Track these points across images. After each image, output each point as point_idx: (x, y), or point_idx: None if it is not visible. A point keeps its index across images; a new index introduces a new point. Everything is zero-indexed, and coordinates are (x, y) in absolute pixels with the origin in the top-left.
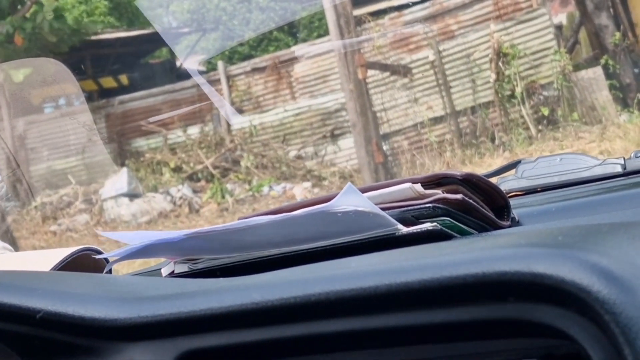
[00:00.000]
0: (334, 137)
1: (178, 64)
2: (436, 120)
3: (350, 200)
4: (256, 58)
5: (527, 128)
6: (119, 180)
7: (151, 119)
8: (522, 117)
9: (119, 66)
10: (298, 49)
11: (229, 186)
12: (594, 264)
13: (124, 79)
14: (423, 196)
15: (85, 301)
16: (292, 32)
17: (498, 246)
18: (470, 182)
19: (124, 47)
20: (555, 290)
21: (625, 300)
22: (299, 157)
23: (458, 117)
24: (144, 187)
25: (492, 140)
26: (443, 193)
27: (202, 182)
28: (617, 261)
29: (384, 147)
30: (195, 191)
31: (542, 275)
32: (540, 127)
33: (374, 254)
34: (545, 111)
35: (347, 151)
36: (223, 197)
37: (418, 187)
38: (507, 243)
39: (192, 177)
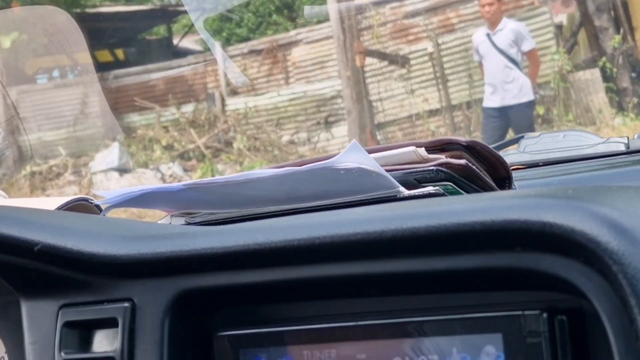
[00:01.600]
0: (327, 124)
1: (175, 41)
2: (431, 113)
3: (354, 158)
4: (254, 40)
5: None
6: (109, 154)
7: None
8: None
9: (116, 40)
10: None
11: (219, 167)
12: (605, 216)
13: (120, 53)
14: (426, 160)
15: (85, 237)
16: (291, 16)
17: (507, 196)
18: (474, 150)
19: (121, 22)
20: (564, 240)
21: (635, 252)
22: (291, 142)
23: (453, 111)
24: (134, 162)
25: None
26: (447, 158)
27: (193, 161)
28: (628, 214)
29: (378, 137)
30: (185, 170)
31: (551, 225)
32: (534, 125)
33: (380, 205)
34: (541, 110)
35: (340, 139)
36: (213, 177)
37: (422, 151)
38: (517, 194)
39: (184, 156)
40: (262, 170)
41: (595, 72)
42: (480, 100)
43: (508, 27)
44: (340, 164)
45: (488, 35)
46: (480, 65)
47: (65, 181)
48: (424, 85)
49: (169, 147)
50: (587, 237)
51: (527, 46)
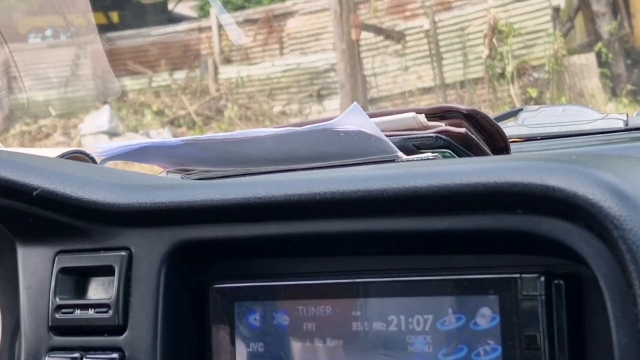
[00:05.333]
0: (320, 97)
1: (170, 7)
2: (424, 91)
3: (355, 121)
4: (249, 9)
5: (514, 107)
6: (99, 117)
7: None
8: (509, 96)
9: (110, 2)
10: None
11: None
12: (607, 182)
13: (114, 16)
14: (426, 127)
15: (84, 184)
16: None
17: (510, 159)
18: (474, 119)
19: None
20: (566, 205)
21: (636, 218)
22: (283, 113)
23: (447, 90)
24: (124, 126)
25: None
26: (446, 126)
27: (184, 129)
28: (630, 181)
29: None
30: (175, 137)
31: (554, 188)
32: None
33: (381, 164)
34: (534, 93)
35: (331, 113)
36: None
37: (422, 117)
38: (520, 157)
39: (174, 122)
40: (262, 130)
41: (591, 57)
42: (475, 79)
43: None
44: (341, 126)
45: None
46: None
47: (54, 142)
48: (418, 62)
49: (159, 113)
50: (589, 202)
51: None
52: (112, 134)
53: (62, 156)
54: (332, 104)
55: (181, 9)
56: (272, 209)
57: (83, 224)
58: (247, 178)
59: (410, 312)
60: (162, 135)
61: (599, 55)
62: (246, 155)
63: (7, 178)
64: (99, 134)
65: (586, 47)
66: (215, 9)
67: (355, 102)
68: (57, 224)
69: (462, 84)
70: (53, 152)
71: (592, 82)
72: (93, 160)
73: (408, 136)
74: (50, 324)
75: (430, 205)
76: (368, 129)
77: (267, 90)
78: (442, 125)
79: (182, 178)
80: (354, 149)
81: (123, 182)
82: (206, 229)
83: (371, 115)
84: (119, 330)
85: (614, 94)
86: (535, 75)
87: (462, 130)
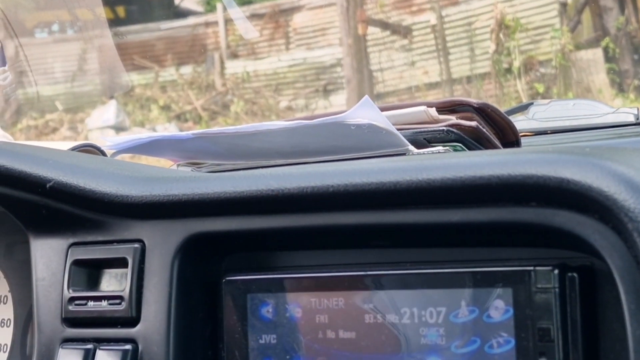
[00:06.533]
0: (326, 92)
1: (177, 1)
2: (431, 86)
3: (366, 114)
4: (256, 4)
5: (521, 102)
6: (106, 111)
7: None
8: (516, 91)
9: None
10: None
11: None
12: (622, 174)
13: (120, 10)
14: (437, 120)
15: (97, 176)
16: None
17: (524, 152)
18: (485, 112)
19: None
20: (580, 197)
21: None
22: (289, 108)
23: (453, 85)
24: (130, 121)
25: None
26: (457, 119)
27: (190, 123)
28: None
29: None
30: (182, 131)
31: (568, 181)
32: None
33: (392, 158)
34: (541, 88)
35: (338, 108)
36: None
37: (432, 111)
38: (534, 150)
39: (180, 117)
40: (273, 123)
41: (598, 52)
42: (481, 75)
43: None
44: (352, 119)
45: None
46: None
47: (61, 136)
48: (425, 57)
49: (166, 108)
50: (604, 194)
51: None
52: (119, 128)
53: (74, 149)
54: (338, 99)
55: (187, 4)
56: (285, 202)
57: (96, 216)
58: (260, 170)
59: (423, 304)
60: (168, 130)
61: (606, 50)
62: (257, 148)
63: (20, 170)
64: (105, 128)
65: (593, 43)
66: (224, 1)
67: (366, 96)
68: (70, 216)
69: (469, 79)
70: (63, 145)
71: (599, 78)
72: (103, 154)
73: (419, 130)
74: (63, 316)
75: (443, 197)
76: (379, 122)
77: (273, 85)
78: (453, 119)
79: (193, 171)
80: (364, 142)
81: (136, 174)
82: (219, 222)
83: (382, 109)
84: (132, 321)
85: (620, 89)
86: (542, 70)
87: (474, 123)
